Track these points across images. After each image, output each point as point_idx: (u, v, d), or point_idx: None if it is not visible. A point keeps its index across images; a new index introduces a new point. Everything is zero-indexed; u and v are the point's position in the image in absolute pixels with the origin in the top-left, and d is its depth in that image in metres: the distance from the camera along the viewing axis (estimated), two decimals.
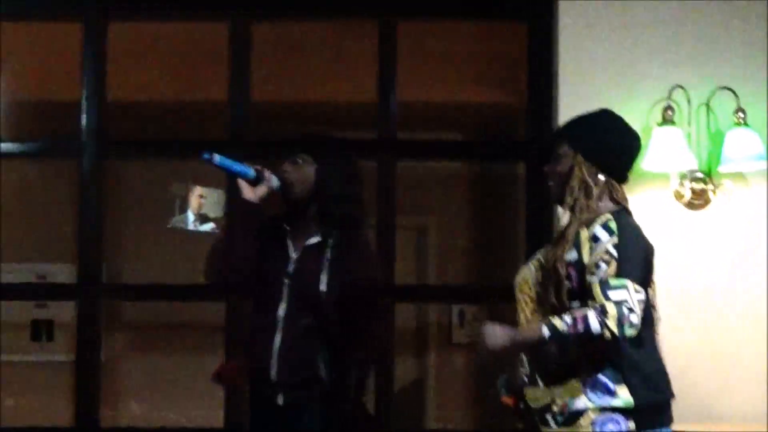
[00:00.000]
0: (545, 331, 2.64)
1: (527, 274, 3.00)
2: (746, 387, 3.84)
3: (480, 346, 2.78)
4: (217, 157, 3.17)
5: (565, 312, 2.72)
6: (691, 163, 3.74)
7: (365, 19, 4.28)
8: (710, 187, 3.80)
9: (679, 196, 3.81)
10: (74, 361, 4.23)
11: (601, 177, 2.82)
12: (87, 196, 4.18)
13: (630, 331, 2.60)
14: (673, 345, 3.34)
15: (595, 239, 2.73)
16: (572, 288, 2.75)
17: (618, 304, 2.61)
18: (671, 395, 2.78)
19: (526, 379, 2.89)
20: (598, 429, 2.68)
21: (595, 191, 2.81)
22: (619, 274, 2.66)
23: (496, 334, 2.73)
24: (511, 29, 4.41)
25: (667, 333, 3.11)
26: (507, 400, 3.04)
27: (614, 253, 2.69)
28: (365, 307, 3.31)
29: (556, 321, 2.63)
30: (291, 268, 3.19)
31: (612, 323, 2.57)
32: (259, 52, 4.27)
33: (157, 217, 5.38)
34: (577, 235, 2.78)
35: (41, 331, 5.18)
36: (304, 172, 3.20)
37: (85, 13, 4.20)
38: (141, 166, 5.51)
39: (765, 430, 3.63)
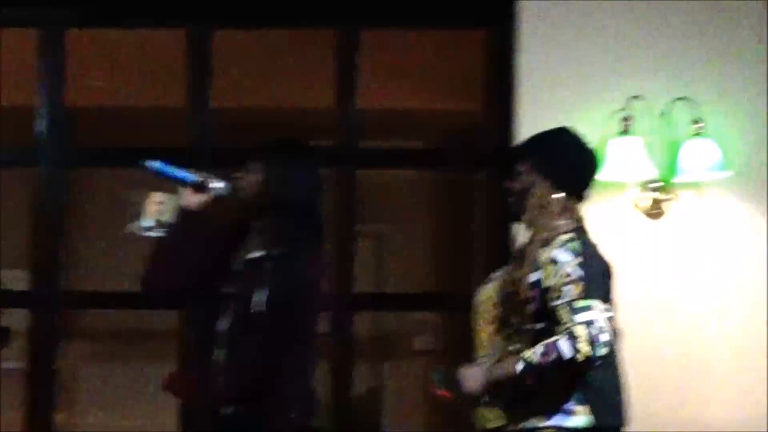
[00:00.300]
0: (519, 366, 2.65)
1: (491, 293, 3.00)
2: (716, 392, 3.87)
3: (458, 390, 2.82)
4: (154, 164, 3.14)
5: (526, 333, 2.74)
6: (650, 172, 3.77)
7: (326, 27, 4.28)
8: (668, 196, 3.83)
9: (636, 205, 3.84)
10: (27, 370, 4.21)
11: (559, 195, 2.84)
12: (43, 203, 4.17)
13: (602, 350, 2.61)
14: (636, 355, 3.31)
15: (554, 262, 2.75)
16: (535, 310, 2.76)
17: (587, 324, 2.62)
18: (627, 421, 2.80)
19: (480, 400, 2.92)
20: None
21: (553, 209, 2.83)
22: (585, 296, 2.67)
23: (474, 377, 2.77)
24: (471, 37, 4.40)
25: (631, 342, 3.11)
26: (444, 393, 3.08)
27: (577, 273, 2.71)
28: (303, 322, 3.22)
29: (528, 354, 2.64)
30: (233, 282, 3.15)
31: (583, 345, 2.58)
32: (219, 59, 4.26)
33: (113, 224, 5.56)
34: (538, 254, 2.80)
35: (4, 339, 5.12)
36: (254, 177, 3.15)
37: (42, 20, 4.19)
38: (99, 173, 5.50)
39: None
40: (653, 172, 3.81)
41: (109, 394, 5.69)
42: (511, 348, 2.86)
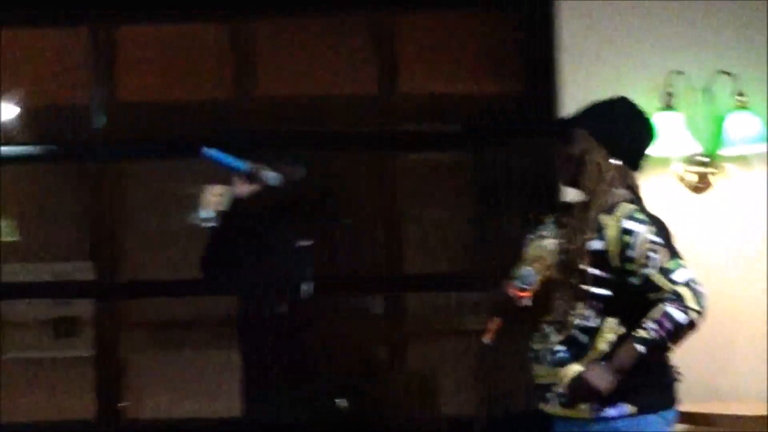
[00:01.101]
0: (640, 349, 2.65)
1: (542, 252, 2.98)
2: (746, 365, 3.90)
3: (579, 390, 2.79)
4: (210, 152, 3.28)
5: (587, 298, 2.74)
6: (693, 147, 3.79)
7: (366, 13, 4.35)
8: (712, 170, 3.85)
9: (681, 179, 3.86)
10: (94, 357, 4.36)
11: (615, 162, 2.83)
12: (101, 196, 4.38)
13: (706, 303, 2.64)
14: None
15: (629, 233, 2.73)
16: (597, 276, 2.76)
17: (686, 284, 2.63)
18: (674, 377, 2.78)
19: (532, 354, 2.90)
20: (597, 413, 2.70)
21: (609, 176, 2.81)
22: (671, 258, 2.68)
23: (602, 376, 2.75)
24: (511, 18, 4.42)
25: None
26: (519, 293, 3.03)
27: (659, 240, 2.71)
28: (339, 299, 3.58)
29: (641, 333, 2.64)
30: (275, 262, 3.36)
31: (692, 303, 2.59)
32: (263, 49, 4.39)
33: (167, 214, 5.56)
34: (598, 223, 2.79)
35: (63, 327, 5.20)
36: (299, 171, 3.31)
37: (94, 19, 4.34)
38: (152, 164, 5.67)
39: (765, 405, 3.67)
40: (697, 147, 3.81)
41: (172, 379, 5.61)
42: (569, 308, 2.87)
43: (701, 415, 3.61)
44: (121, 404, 4.94)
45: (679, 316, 2.58)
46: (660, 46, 3.97)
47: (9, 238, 5.29)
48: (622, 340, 2.74)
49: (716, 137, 3.88)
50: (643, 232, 2.70)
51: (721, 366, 3.94)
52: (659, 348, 2.66)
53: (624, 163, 2.84)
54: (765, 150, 3.84)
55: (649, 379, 2.73)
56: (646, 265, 2.66)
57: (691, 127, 3.86)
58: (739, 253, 3.96)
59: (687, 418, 3.50)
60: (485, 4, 4.42)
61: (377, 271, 4.30)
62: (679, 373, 2.80)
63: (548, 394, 2.82)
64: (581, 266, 2.77)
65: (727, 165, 3.90)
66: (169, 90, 5.16)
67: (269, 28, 4.49)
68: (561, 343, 2.81)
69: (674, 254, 2.72)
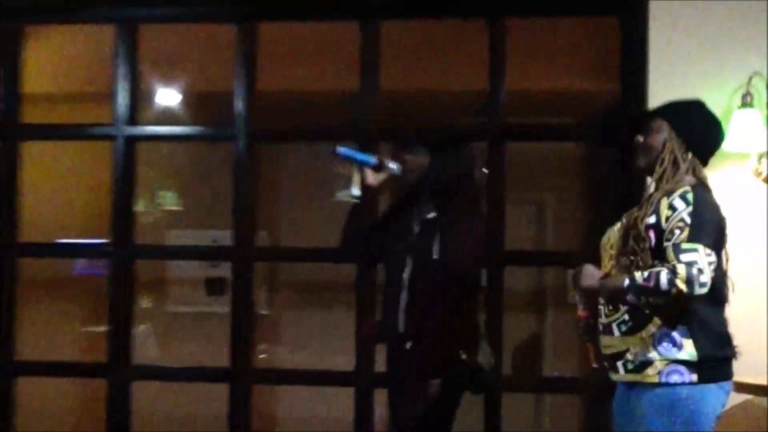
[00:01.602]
0: (625, 281, 2.82)
1: (611, 236, 3.20)
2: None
3: (575, 279, 3.07)
4: (342, 150, 3.70)
5: (644, 268, 2.88)
6: None
7: (478, 17, 4.62)
8: None
9: (758, 173, 4.00)
10: (234, 314, 4.71)
11: (689, 154, 3.03)
12: (240, 173, 4.69)
13: (700, 290, 2.74)
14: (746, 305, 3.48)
15: (672, 208, 2.89)
16: (652, 247, 2.93)
17: (688, 265, 2.75)
18: (733, 353, 2.95)
19: (601, 328, 3.09)
20: (663, 378, 2.87)
21: (683, 166, 3.01)
22: (691, 239, 2.80)
23: (591, 274, 3.00)
24: (607, 23, 4.60)
25: (743, 294, 3.27)
26: (582, 313, 3.27)
27: (688, 220, 2.84)
28: (468, 271, 3.69)
29: (636, 274, 2.81)
30: (412, 239, 3.67)
31: (680, 283, 2.71)
32: (387, 47, 4.64)
33: (300, 190, 6.17)
34: (659, 202, 2.96)
35: (215, 286, 5.75)
36: (420, 160, 3.65)
37: (237, 16, 4.71)
38: (286, 147, 6.16)
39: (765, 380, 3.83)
40: None
41: (303, 335, 6.26)
42: None
43: (756, 386, 3.79)
44: (261, 354, 5.46)
45: (663, 282, 2.76)
46: (741, 48, 4.11)
47: (173, 207, 6.04)
48: (671, 306, 2.90)
49: None
50: (681, 209, 2.88)
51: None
52: (637, 293, 2.86)
53: (696, 156, 3.06)
54: None
55: (712, 352, 2.91)
56: (669, 239, 2.86)
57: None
58: None
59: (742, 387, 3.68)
60: (585, 9, 4.51)
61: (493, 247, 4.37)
62: (737, 349, 2.99)
63: (618, 363, 3.01)
64: (639, 238, 2.97)
65: None
66: (306, 82, 5.55)
67: (394, 29, 4.65)
68: (626, 313, 3.00)
69: (699, 238, 2.86)
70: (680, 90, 3.81)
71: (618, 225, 3.20)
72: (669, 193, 2.97)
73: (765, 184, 4.02)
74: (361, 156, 3.74)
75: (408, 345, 3.66)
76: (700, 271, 2.76)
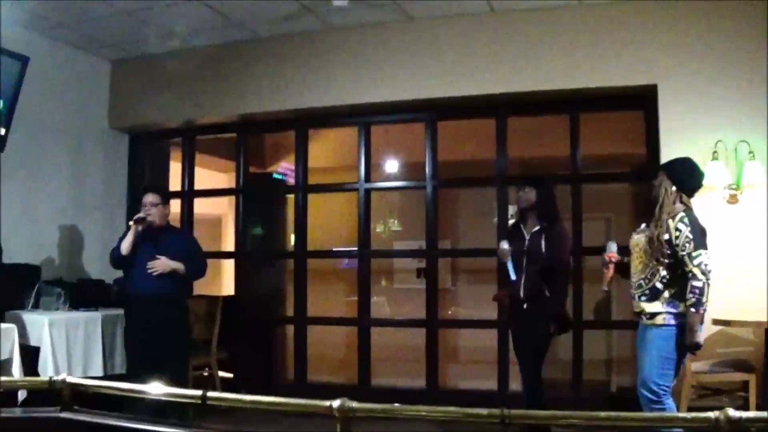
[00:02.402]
0: (692, 310, 3.68)
1: (639, 241, 3.97)
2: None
3: (690, 341, 3.77)
4: (506, 262, 4.84)
5: (661, 265, 3.76)
6: (729, 179, 5.24)
7: (563, 113, 6.02)
8: (738, 192, 5.31)
9: (723, 197, 5.30)
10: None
11: (673, 188, 3.90)
12: (430, 207, 6.17)
13: (710, 276, 3.63)
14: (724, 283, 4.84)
15: (678, 229, 3.71)
16: (667, 253, 3.73)
17: (699, 265, 3.64)
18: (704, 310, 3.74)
19: (632, 294, 4.02)
20: (666, 322, 3.78)
21: (672, 197, 3.89)
22: (695, 248, 3.67)
23: (693, 333, 3.71)
24: (636, 115, 5.89)
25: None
26: (611, 256, 4.22)
27: (690, 237, 3.69)
28: (561, 262, 4.75)
29: (690, 301, 3.66)
30: (526, 243, 4.82)
31: (700, 276, 3.63)
32: (511, 132, 6.16)
33: (471, 216, 7.55)
34: (667, 222, 3.76)
35: (421, 272, 6.83)
36: (530, 196, 4.86)
37: (424, 118, 6.20)
38: (458, 191, 7.74)
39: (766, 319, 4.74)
40: (731, 179, 5.24)
41: (467, 300, 7.72)
42: (653, 271, 3.88)
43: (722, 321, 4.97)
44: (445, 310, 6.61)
45: (697, 284, 3.63)
46: (712, 126, 5.32)
47: (397, 229, 7.72)
48: (674, 286, 3.75)
49: (739, 174, 5.27)
50: (685, 230, 3.70)
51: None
52: (697, 303, 3.67)
53: (683, 191, 3.92)
54: (764, 181, 5.16)
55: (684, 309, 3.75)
56: (683, 250, 3.67)
57: (728, 168, 5.24)
58: (756, 238, 5.27)
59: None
60: (625, 108, 5.95)
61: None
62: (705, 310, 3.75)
63: (642, 316, 3.94)
64: (659, 248, 3.77)
65: (745, 189, 5.30)
66: (466, 154, 7.23)
67: (516, 121, 6.15)
68: (648, 290, 3.88)
69: (699, 246, 3.67)
70: (678, 150, 5.05)
71: (639, 235, 3.97)
72: (672, 217, 3.77)
73: (728, 204, 5.29)
74: (510, 269, 4.84)
75: (525, 305, 4.80)
76: (706, 265, 3.66)
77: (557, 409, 1.79)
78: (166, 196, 5.55)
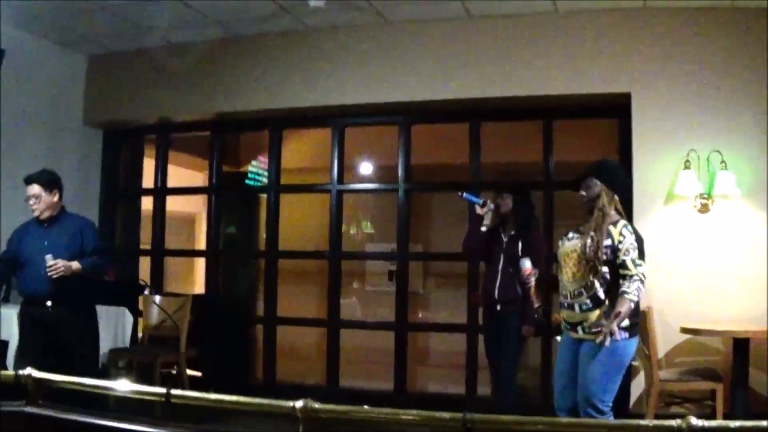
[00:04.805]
0: (630, 304, 3.61)
1: (572, 248, 3.85)
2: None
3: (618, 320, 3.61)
4: (465, 194, 4.98)
5: (600, 272, 3.67)
6: (700, 189, 5.31)
7: (537, 120, 6.06)
8: (709, 201, 5.37)
9: (694, 207, 5.36)
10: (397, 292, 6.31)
11: (614, 196, 3.85)
12: (402, 210, 6.24)
13: (645, 281, 3.63)
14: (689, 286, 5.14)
15: (623, 234, 3.69)
16: (607, 260, 3.69)
17: (640, 273, 3.63)
18: (639, 320, 3.80)
19: (566, 305, 3.84)
20: (606, 337, 3.56)
21: (610, 203, 3.82)
22: (639, 256, 3.65)
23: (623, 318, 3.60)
24: (610, 123, 6.00)
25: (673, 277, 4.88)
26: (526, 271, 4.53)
27: (635, 244, 3.68)
28: (535, 263, 4.78)
29: (631, 295, 3.58)
30: (503, 245, 4.97)
31: (641, 285, 3.62)
32: (483, 138, 6.14)
33: (442, 219, 7.37)
34: (609, 230, 3.71)
35: (392, 275, 6.85)
36: (509, 202, 5.01)
37: (399, 121, 6.23)
38: (430, 195, 7.54)
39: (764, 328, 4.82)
40: (702, 189, 5.31)
41: (438, 304, 7.69)
42: (591, 278, 3.76)
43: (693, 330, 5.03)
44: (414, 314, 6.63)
45: (640, 286, 3.60)
46: (684, 135, 5.41)
47: (369, 231, 7.77)
48: (615, 296, 3.63)
49: (711, 184, 5.34)
50: (629, 237, 3.68)
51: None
52: (634, 298, 3.60)
53: (615, 192, 3.85)
54: (737, 192, 5.25)
55: (633, 320, 3.70)
56: (626, 254, 3.64)
57: (699, 178, 5.32)
58: (730, 244, 5.33)
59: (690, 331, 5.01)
60: (599, 115, 6.02)
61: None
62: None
63: (578, 327, 3.77)
64: (598, 254, 3.69)
65: (717, 199, 5.35)
66: (439, 158, 7.06)
67: (489, 127, 6.19)
68: (588, 298, 3.75)
69: (641, 255, 3.66)
70: (651, 159, 5.45)
71: (571, 242, 3.89)
72: (614, 225, 3.75)
73: (699, 213, 5.37)
74: (474, 198, 5.01)
75: (498, 307, 4.91)
76: (645, 276, 3.68)
77: (527, 415, 1.77)
78: (51, 181, 4.84)
